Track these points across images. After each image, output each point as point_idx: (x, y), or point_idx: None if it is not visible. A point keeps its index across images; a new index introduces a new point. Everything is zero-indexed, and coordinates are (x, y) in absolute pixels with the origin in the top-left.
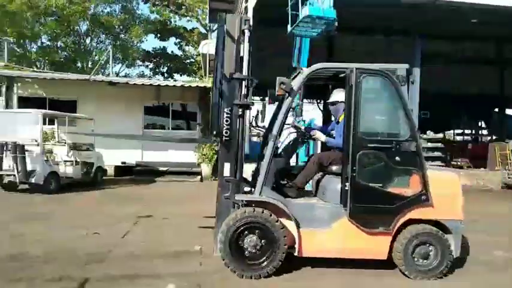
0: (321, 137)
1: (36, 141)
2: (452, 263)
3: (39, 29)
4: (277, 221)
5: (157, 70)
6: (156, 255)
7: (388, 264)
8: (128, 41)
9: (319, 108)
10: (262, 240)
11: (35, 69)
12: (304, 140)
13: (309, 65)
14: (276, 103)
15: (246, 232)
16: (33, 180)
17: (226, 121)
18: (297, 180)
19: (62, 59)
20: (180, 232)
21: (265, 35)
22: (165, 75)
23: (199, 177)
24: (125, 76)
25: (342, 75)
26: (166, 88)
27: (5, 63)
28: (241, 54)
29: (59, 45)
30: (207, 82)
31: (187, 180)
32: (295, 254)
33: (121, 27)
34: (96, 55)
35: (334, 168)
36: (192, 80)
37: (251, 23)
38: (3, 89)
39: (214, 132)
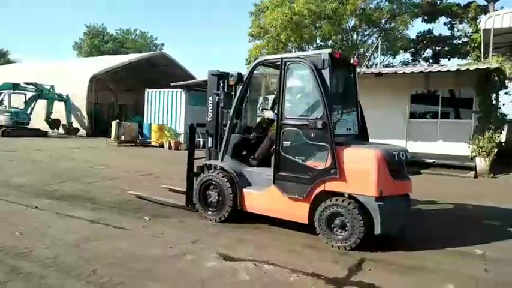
0: (270, 114)
1: None
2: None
3: (314, 32)
4: (226, 182)
5: (419, 55)
6: None
7: None
8: (393, 30)
9: None
10: (218, 195)
11: None
12: (266, 120)
13: None
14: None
15: (209, 187)
16: None
17: (210, 106)
18: (256, 153)
19: None
20: None
21: None
22: (430, 60)
23: (472, 172)
24: (387, 66)
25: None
26: (436, 74)
27: None
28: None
29: (329, 44)
30: (489, 62)
31: (457, 175)
32: (239, 208)
33: (387, 17)
34: (361, 48)
35: None
36: (469, 63)
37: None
38: None
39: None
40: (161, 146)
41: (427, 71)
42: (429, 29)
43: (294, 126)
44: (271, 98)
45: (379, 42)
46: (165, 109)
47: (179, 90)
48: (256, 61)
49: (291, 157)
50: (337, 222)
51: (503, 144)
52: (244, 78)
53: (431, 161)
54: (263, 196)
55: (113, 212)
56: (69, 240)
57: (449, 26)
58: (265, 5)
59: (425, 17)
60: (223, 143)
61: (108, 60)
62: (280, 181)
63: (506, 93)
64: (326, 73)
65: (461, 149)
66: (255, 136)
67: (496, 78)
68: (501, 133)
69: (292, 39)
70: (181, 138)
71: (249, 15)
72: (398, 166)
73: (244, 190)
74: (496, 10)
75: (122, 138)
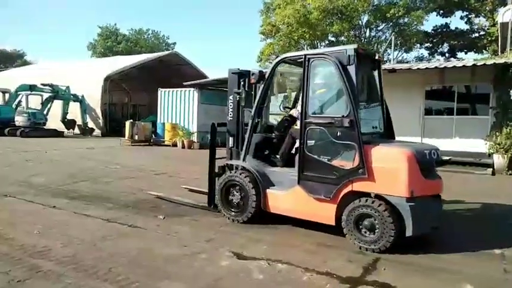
0: (294, 113)
1: None
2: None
3: (327, 29)
4: (249, 182)
5: (435, 50)
6: None
7: None
8: (407, 25)
9: None
10: (241, 195)
11: None
12: (288, 118)
13: None
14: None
15: (231, 188)
16: None
17: (230, 106)
18: (280, 152)
19: None
20: None
21: None
22: (446, 55)
23: (489, 169)
24: (400, 62)
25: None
26: (451, 69)
27: None
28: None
29: (341, 40)
30: (507, 57)
31: (474, 172)
32: (263, 208)
33: (402, 12)
34: (375, 44)
35: None
36: (486, 57)
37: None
38: None
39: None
40: (174, 145)
41: (442, 66)
42: (446, 23)
43: (319, 125)
44: (290, 95)
45: (393, 37)
46: (178, 108)
47: (191, 89)
48: (278, 58)
49: (316, 156)
50: (366, 223)
51: None
52: (266, 76)
53: (447, 158)
54: (287, 197)
55: (128, 211)
56: (86, 239)
57: (466, 20)
58: (276, 2)
59: (441, 11)
60: (245, 142)
61: (121, 60)
62: (305, 181)
63: None
64: (352, 69)
65: (478, 145)
66: (277, 135)
67: None
68: None
69: (307, 36)
70: (194, 137)
71: (260, 14)
72: (429, 165)
73: (268, 190)
74: None
75: (136, 137)
